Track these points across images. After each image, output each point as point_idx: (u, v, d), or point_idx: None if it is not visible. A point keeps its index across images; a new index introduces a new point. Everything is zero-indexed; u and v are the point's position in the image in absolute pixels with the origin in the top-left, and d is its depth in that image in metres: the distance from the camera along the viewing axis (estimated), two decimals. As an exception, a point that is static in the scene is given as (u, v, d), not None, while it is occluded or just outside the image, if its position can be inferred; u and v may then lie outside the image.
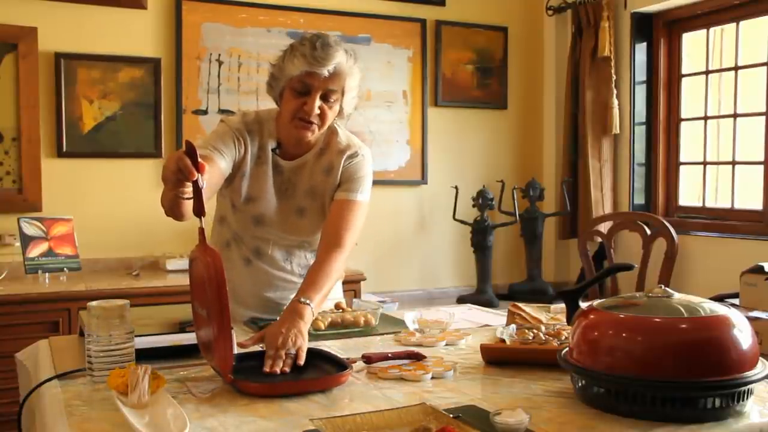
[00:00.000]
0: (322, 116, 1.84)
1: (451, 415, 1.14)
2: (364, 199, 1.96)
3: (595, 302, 1.35)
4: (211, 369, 1.46)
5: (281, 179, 1.95)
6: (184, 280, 3.11)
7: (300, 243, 2.03)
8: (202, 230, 1.41)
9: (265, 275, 2.00)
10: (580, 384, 1.27)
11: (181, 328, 1.66)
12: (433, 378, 1.44)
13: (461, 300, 3.89)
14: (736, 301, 1.90)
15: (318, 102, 1.81)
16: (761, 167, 3.41)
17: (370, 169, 1.99)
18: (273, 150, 1.93)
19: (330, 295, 2.06)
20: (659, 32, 3.86)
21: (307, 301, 1.68)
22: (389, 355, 1.56)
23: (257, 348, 1.58)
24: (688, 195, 3.85)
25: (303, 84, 1.81)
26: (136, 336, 1.42)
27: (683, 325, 1.20)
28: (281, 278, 2.01)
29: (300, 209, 1.97)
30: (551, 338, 1.57)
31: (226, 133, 1.88)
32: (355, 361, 1.51)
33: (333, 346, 1.70)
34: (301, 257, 2.04)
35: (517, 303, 1.87)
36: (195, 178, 1.39)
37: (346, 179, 1.94)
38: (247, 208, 1.94)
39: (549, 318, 1.81)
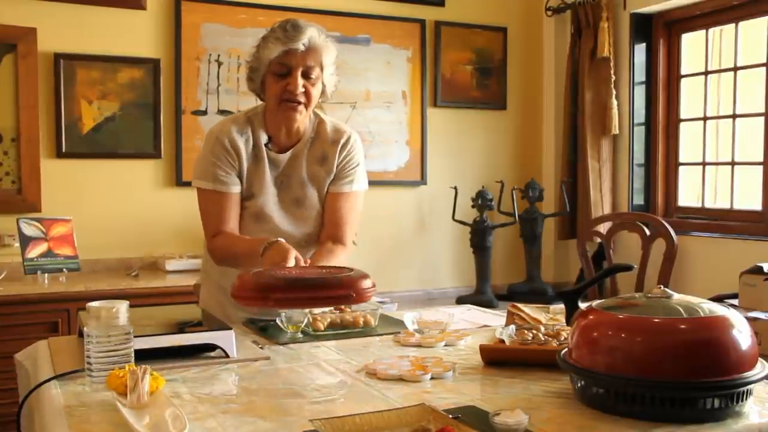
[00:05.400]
0: (306, 95, 1.89)
1: (451, 416, 1.14)
2: (359, 188, 2.05)
3: (595, 303, 1.35)
4: (211, 369, 1.46)
5: (277, 172, 1.98)
6: (183, 281, 3.14)
7: (299, 240, 2.03)
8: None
9: None
10: (579, 384, 1.27)
11: (181, 328, 1.66)
12: (432, 378, 1.44)
13: (460, 300, 3.89)
14: (735, 301, 1.90)
15: (300, 81, 1.87)
16: (760, 168, 3.41)
17: (362, 154, 2.07)
18: (265, 144, 1.96)
19: None
20: (658, 33, 3.86)
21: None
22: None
23: None
24: (688, 195, 3.85)
25: (282, 65, 1.87)
26: (135, 336, 1.42)
27: (682, 326, 1.20)
28: None
29: (297, 199, 2.00)
30: (550, 339, 1.57)
31: (219, 154, 1.92)
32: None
33: (332, 347, 1.71)
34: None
35: (516, 303, 1.88)
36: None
37: (341, 172, 2.01)
38: (247, 205, 1.97)
39: (548, 318, 1.81)
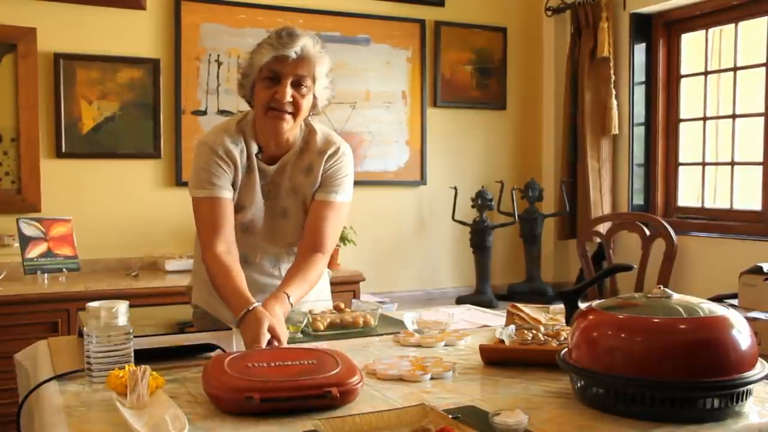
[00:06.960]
0: (295, 105, 1.83)
1: (451, 416, 1.14)
2: (345, 199, 1.98)
3: (594, 303, 1.35)
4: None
5: (266, 183, 1.94)
6: (183, 281, 3.12)
7: (287, 249, 2.02)
8: None
9: (253, 282, 1.94)
10: (579, 384, 1.27)
11: (180, 328, 1.66)
12: (432, 378, 1.44)
13: (460, 300, 3.89)
14: (735, 301, 1.90)
15: (290, 90, 1.81)
16: (760, 168, 3.41)
17: (351, 167, 2.00)
18: (255, 155, 1.92)
19: (320, 297, 2.06)
20: (658, 33, 3.86)
21: (289, 294, 1.76)
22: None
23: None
24: (687, 195, 3.85)
25: (272, 71, 1.81)
26: (135, 337, 1.42)
27: (682, 326, 1.21)
28: (270, 284, 1.98)
29: (283, 210, 1.96)
30: (550, 339, 1.57)
31: (213, 162, 1.87)
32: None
33: (332, 347, 1.70)
34: (290, 264, 2.01)
35: (516, 303, 1.87)
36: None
37: (328, 180, 1.95)
38: (237, 217, 1.92)
39: (548, 318, 1.81)
